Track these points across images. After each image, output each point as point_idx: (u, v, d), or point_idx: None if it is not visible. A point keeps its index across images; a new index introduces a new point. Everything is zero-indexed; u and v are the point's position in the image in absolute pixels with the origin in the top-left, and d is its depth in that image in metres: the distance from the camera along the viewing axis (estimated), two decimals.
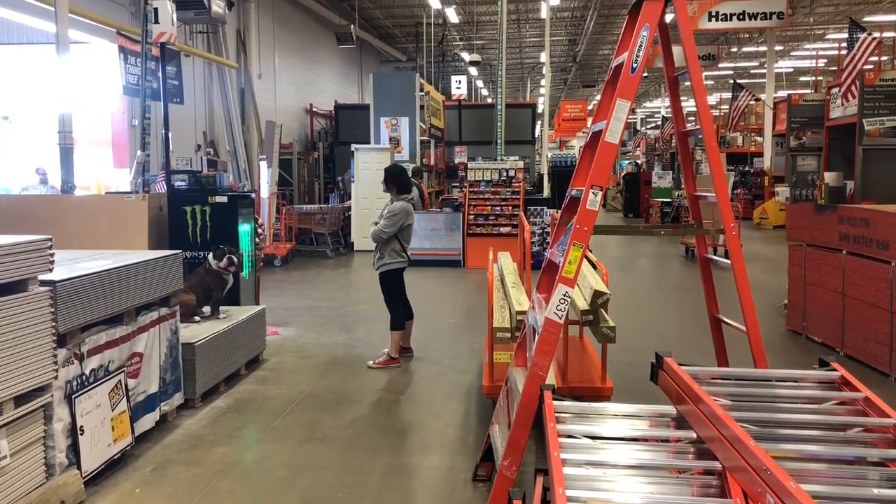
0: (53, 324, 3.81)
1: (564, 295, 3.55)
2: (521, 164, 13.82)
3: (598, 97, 4.14)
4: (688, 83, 3.91)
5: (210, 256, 6.45)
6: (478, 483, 4.25)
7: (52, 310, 3.80)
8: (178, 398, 5.32)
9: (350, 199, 16.20)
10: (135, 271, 4.65)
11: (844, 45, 16.47)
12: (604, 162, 3.56)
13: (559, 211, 4.20)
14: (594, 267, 5.28)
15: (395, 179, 6.75)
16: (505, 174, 13.53)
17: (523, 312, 4.45)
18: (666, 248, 16.46)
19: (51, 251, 3.79)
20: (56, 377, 3.85)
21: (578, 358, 5.65)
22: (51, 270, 3.82)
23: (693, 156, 26.32)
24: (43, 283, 3.79)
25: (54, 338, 3.82)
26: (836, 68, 20.87)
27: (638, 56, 3.59)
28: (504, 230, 13.23)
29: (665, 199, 20.77)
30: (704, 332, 7.44)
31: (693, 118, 32.90)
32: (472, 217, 13.40)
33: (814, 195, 19.47)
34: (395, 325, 6.73)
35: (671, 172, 23.65)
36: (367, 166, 15.55)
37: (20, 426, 3.62)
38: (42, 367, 3.73)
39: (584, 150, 4.00)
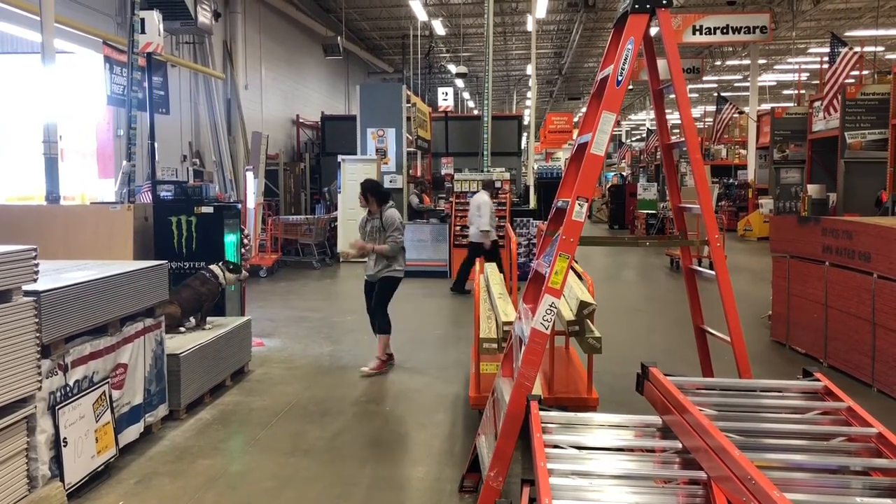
0: (37, 334, 3.78)
1: (551, 305, 3.56)
2: (507, 175, 13.86)
3: (584, 109, 4.18)
4: (672, 96, 3.96)
5: (218, 269, 6.47)
6: (464, 494, 4.24)
7: (37, 320, 3.77)
8: (162, 409, 5.28)
9: (336, 209, 16.19)
10: (120, 282, 4.63)
11: (826, 59, 16.68)
12: (589, 174, 3.58)
13: (545, 222, 4.22)
14: (580, 278, 5.30)
15: (375, 191, 6.97)
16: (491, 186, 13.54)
17: (510, 323, 4.46)
18: (651, 259, 16.54)
19: (35, 261, 3.76)
20: (39, 388, 3.82)
21: (564, 368, 5.66)
22: (35, 281, 3.79)
23: (678, 168, 26.36)
24: (27, 293, 3.77)
25: (38, 348, 3.78)
26: (818, 82, 21.13)
27: (623, 69, 3.62)
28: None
29: (650, 211, 20.90)
30: (690, 343, 7.45)
31: (678, 130, 33.14)
32: (458, 228, 13.41)
33: (797, 207, 19.66)
34: (386, 329, 6.86)
35: (656, 184, 23.82)
36: (354, 177, 15.52)
37: (2, 438, 3.58)
38: (25, 377, 3.69)
39: (569, 161, 4.03)
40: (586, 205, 3.56)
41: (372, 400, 6.11)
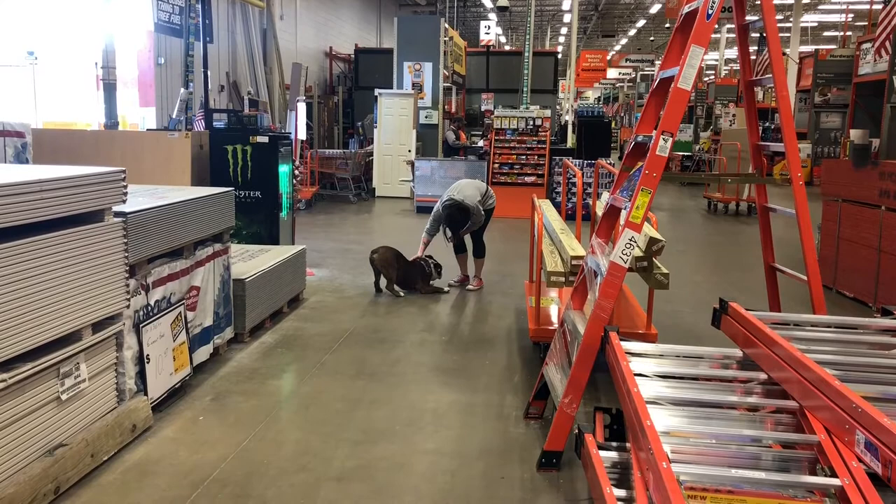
0: (126, 254, 3.89)
1: (631, 239, 3.61)
2: (547, 112, 13.71)
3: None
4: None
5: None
6: (529, 420, 4.37)
7: (125, 240, 3.88)
8: (228, 332, 5.44)
9: (370, 144, 16.14)
10: (195, 207, 4.72)
11: None
12: (676, 108, 3.58)
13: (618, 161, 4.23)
14: None
15: (454, 221, 7.36)
16: (531, 123, 13.44)
17: (579, 257, 4.52)
18: (686, 201, 16.44)
19: (124, 183, 3.85)
20: (128, 306, 3.95)
21: (620, 305, 5.72)
22: (124, 202, 3.88)
23: (713, 110, 25.61)
24: (116, 214, 3.86)
25: (127, 267, 3.90)
26: (866, 23, 20.49)
27: (714, 1, 3.58)
28: (529, 179, 13.20)
29: (685, 153, 20.67)
30: (734, 285, 7.49)
31: (712, 72, 32.33)
32: (496, 166, 13.36)
33: (836, 153, 19.34)
34: (481, 253, 7.69)
35: (691, 126, 23.45)
36: (391, 111, 15.47)
37: (96, 352, 3.74)
38: (116, 295, 3.82)
39: (649, 97, 4.02)
40: (671, 140, 3.57)
41: (426, 330, 6.23)
